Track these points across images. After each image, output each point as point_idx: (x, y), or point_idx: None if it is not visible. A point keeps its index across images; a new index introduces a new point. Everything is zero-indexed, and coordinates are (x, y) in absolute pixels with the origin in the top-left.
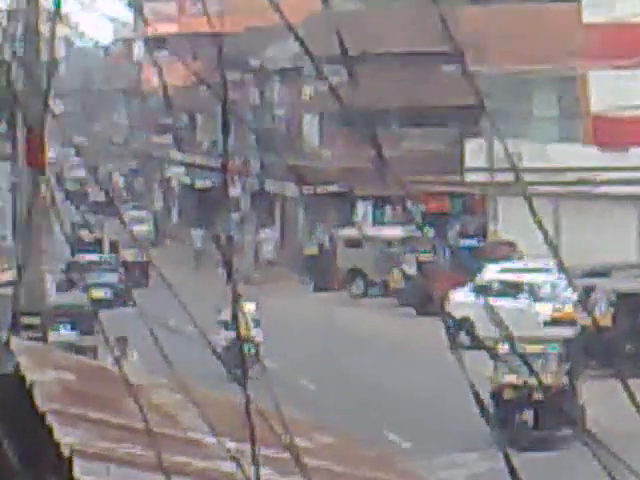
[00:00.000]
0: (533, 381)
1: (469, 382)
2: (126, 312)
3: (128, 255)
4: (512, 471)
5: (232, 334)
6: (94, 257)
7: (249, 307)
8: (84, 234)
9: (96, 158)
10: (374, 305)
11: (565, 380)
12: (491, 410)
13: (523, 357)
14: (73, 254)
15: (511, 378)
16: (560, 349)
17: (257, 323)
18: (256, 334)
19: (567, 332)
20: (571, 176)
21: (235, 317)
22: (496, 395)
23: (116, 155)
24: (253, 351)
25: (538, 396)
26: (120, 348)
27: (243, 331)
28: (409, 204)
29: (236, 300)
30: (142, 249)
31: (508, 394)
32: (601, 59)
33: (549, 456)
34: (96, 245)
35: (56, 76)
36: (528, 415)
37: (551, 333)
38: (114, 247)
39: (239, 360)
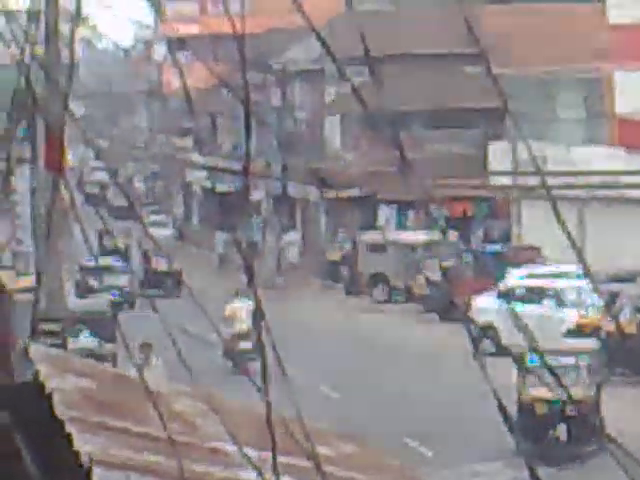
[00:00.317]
0: (564, 394)
1: (492, 390)
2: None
3: (160, 265)
4: None
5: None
6: (108, 261)
7: (248, 304)
8: (108, 241)
9: (116, 161)
10: (397, 311)
11: (594, 392)
12: (519, 423)
13: (552, 370)
14: (97, 262)
15: (542, 392)
16: (590, 360)
17: (254, 318)
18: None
19: (593, 342)
20: (596, 179)
21: (257, 323)
22: (526, 409)
23: (137, 158)
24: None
25: (571, 410)
26: (145, 354)
27: (242, 327)
28: (432, 208)
29: (258, 306)
30: (169, 257)
31: (540, 409)
32: (627, 60)
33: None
34: (122, 252)
35: (76, 78)
36: (561, 430)
37: (578, 342)
38: (146, 257)
39: (240, 355)
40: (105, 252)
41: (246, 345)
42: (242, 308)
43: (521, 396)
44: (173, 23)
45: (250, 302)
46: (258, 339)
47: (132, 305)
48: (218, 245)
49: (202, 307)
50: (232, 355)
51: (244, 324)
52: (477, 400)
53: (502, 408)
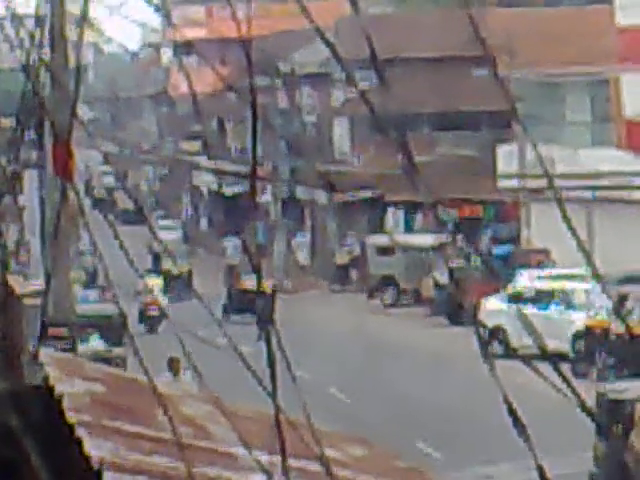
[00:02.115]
0: None
1: (502, 392)
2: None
3: (171, 268)
4: None
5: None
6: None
7: (156, 282)
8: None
9: (124, 166)
10: (406, 314)
11: None
12: None
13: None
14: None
15: None
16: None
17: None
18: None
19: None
20: (604, 181)
21: (265, 328)
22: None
23: (145, 162)
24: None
25: None
26: (174, 369)
27: (152, 298)
28: (441, 211)
29: (271, 307)
30: (180, 259)
31: None
32: (634, 62)
33: None
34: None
35: (84, 82)
36: None
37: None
38: (157, 259)
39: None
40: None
41: (154, 312)
42: (153, 284)
43: None
44: (180, 27)
45: (158, 279)
46: (267, 343)
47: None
48: (227, 250)
49: (211, 311)
50: (145, 319)
51: (153, 296)
52: (486, 402)
53: (512, 411)
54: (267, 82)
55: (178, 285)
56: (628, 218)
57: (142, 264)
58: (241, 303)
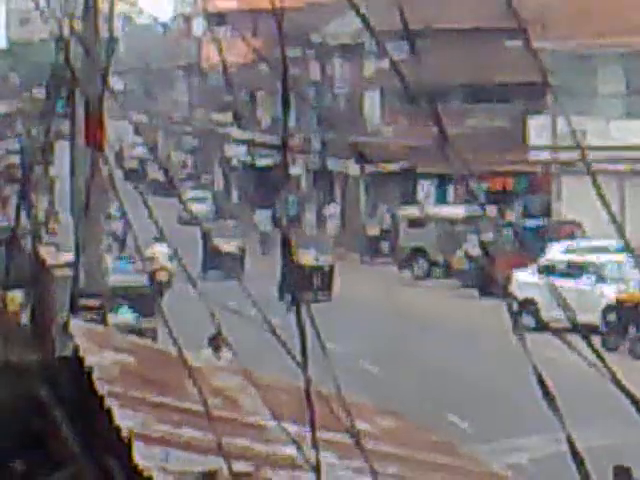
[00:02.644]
0: None
1: (532, 365)
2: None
3: (224, 246)
4: (575, 455)
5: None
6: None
7: (160, 249)
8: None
9: (156, 136)
10: (437, 286)
11: None
12: None
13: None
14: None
15: None
16: None
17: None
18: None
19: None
20: (637, 153)
21: (296, 301)
22: None
23: (176, 133)
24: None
25: None
26: (215, 346)
27: (159, 265)
28: (472, 183)
29: (295, 282)
30: (208, 232)
31: None
32: None
33: None
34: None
35: (115, 54)
36: None
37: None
38: (207, 236)
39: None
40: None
41: (163, 277)
42: (160, 251)
43: None
44: None
45: (166, 247)
46: (298, 315)
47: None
48: (260, 223)
49: (242, 284)
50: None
51: (160, 263)
52: (517, 375)
53: (542, 382)
54: (299, 53)
55: (226, 262)
56: None
57: (172, 234)
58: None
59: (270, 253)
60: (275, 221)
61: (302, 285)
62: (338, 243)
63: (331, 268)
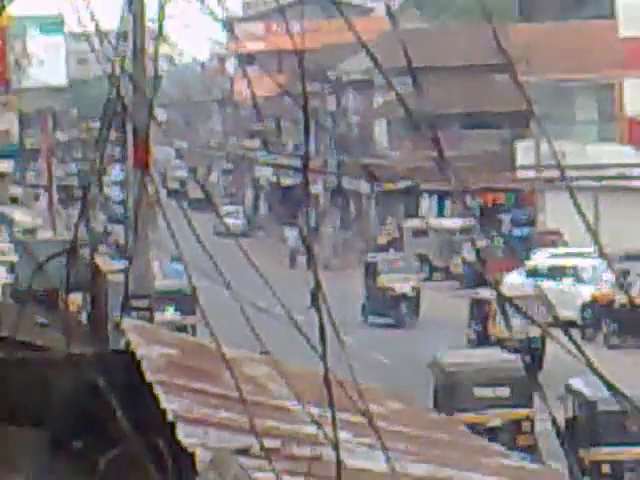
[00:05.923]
0: None
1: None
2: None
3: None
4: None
5: None
6: None
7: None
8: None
9: (195, 160)
10: (438, 287)
11: None
12: None
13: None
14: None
15: None
16: None
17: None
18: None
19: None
20: (609, 172)
21: (316, 299)
22: None
23: (212, 157)
24: None
25: None
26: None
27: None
28: (468, 198)
29: (317, 284)
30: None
31: None
32: (636, 68)
33: None
34: None
35: (160, 89)
36: None
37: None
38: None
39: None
40: None
41: None
42: None
43: None
44: (243, 41)
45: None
46: (317, 310)
47: None
48: (289, 239)
49: (267, 282)
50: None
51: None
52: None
53: (528, 368)
54: (317, 88)
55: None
56: (629, 204)
57: (210, 244)
58: (381, 304)
59: (297, 267)
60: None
61: (387, 310)
62: (353, 249)
63: (417, 293)
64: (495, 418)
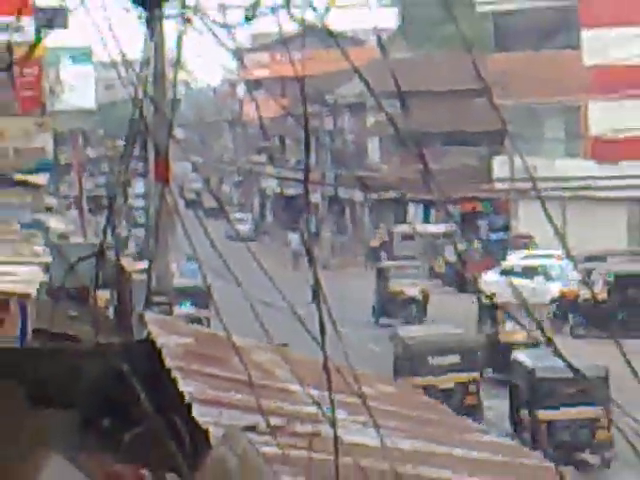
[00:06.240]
0: None
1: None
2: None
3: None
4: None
5: None
6: None
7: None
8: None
9: (209, 173)
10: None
11: None
12: None
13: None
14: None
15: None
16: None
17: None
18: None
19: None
20: (575, 184)
21: (316, 295)
22: None
23: (224, 171)
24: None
25: None
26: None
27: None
28: (450, 206)
29: (317, 282)
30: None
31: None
32: (598, 93)
33: None
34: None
35: (177, 111)
36: None
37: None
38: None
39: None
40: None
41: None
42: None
43: None
44: (250, 68)
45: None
46: (317, 305)
47: None
48: (292, 242)
49: (272, 280)
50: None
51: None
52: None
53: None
54: (317, 110)
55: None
56: (592, 212)
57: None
58: (392, 307)
59: (300, 269)
60: (304, 241)
61: (398, 312)
62: (349, 251)
63: (425, 297)
64: (447, 381)
